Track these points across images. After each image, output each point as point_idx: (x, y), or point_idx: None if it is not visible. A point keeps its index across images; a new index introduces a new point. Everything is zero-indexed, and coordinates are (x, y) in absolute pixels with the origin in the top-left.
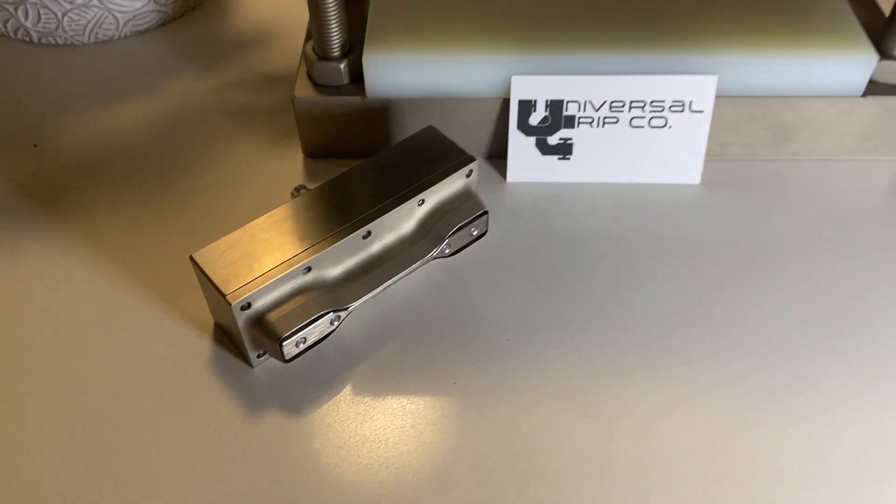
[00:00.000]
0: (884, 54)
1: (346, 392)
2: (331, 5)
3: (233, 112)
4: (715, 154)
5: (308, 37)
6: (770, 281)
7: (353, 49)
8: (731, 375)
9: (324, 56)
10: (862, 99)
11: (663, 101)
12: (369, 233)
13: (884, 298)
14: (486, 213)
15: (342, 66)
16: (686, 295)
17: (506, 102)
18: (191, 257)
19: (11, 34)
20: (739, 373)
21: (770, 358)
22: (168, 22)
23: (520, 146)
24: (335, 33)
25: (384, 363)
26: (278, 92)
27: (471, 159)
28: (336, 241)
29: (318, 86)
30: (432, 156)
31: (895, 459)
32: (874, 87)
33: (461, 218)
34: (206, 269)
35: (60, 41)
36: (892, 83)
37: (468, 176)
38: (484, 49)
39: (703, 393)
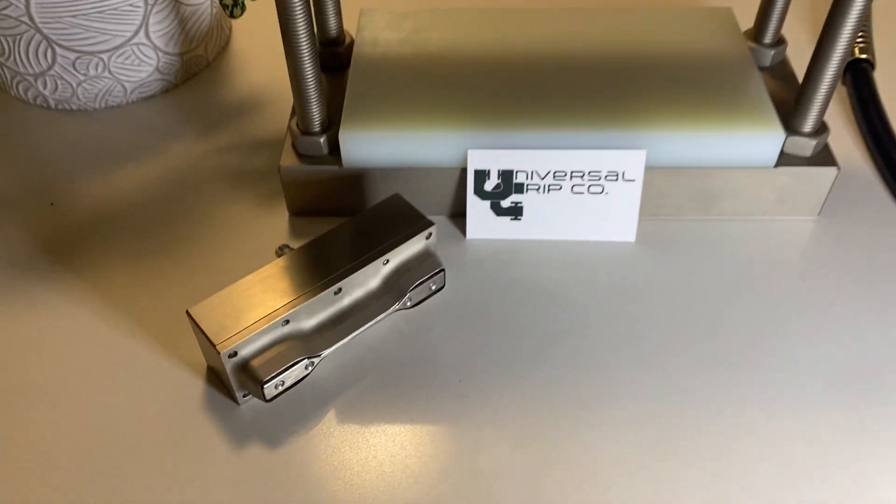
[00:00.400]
0: (792, 131)
1: (319, 428)
2: (311, 91)
3: (227, 174)
4: (649, 214)
5: (293, 113)
6: (694, 327)
7: (331, 124)
8: (653, 413)
9: (306, 131)
10: (774, 169)
11: (600, 172)
12: (340, 289)
13: (796, 343)
14: (443, 270)
15: (322, 140)
16: (620, 339)
17: (464, 171)
18: (187, 311)
19: (31, 101)
20: (661, 411)
21: (689, 397)
22: (171, 88)
23: (476, 208)
24: (315, 113)
25: (352, 402)
26: (267, 155)
27: (429, 224)
28: (311, 297)
29: (300, 155)
30: (396, 221)
31: (807, 491)
32: (785, 158)
33: (421, 275)
34: (199, 322)
35: (75, 107)
36: (801, 155)
37: (428, 238)
38: (445, 127)
39: (627, 428)
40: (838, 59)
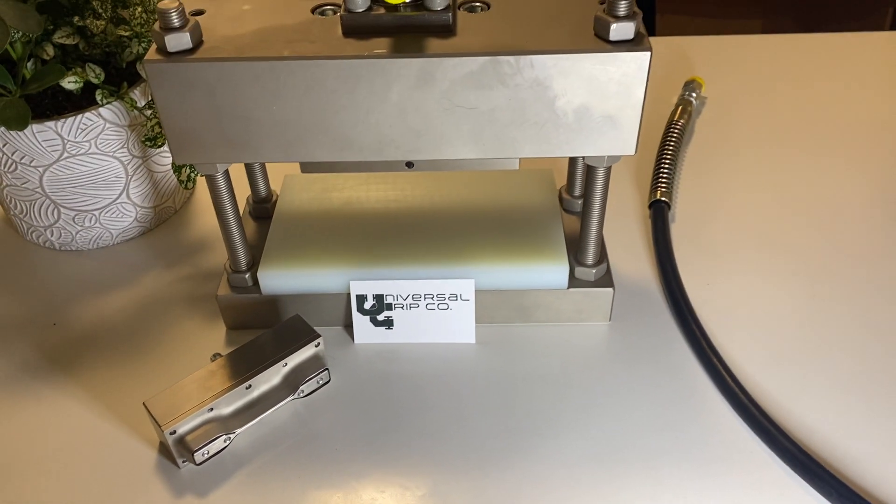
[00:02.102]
0: (579, 263)
1: (235, 485)
2: (237, 244)
3: (185, 298)
4: (486, 321)
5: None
6: (515, 410)
7: (254, 264)
8: (499, 471)
9: (235, 270)
10: (568, 290)
11: (444, 294)
12: (250, 385)
13: (601, 428)
14: (326, 369)
15: (247, 276)
16: (460, 418)
17: (349, 296)
18: (143, 403)
19: (41, 244)
20: (493, 470)
21: (503, 470)
22: (146, 232)
23: (360, 322)
24: (241, 258)
25: (261, 467)
26: (215, 284)
27: (317, 336)
28: (229, 391)
29: (232, 287)
30: (294, 334)
31: None
32: (576, 282)
33: (310, 372)
34: (151, 410)
35: (74, 249)
36: (587, 279)
37: (317, 346)
38: (336, 265)
39: (487, 487)
40: (596, 221)
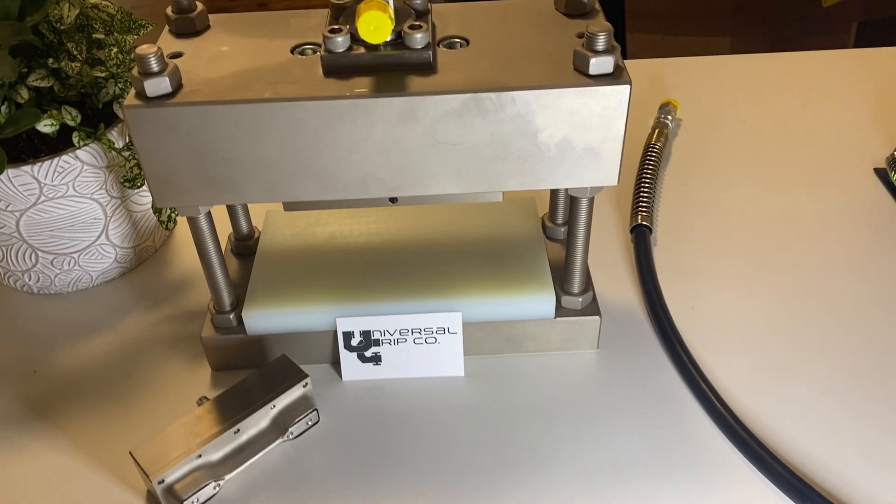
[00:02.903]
0: (565, 292)
1: None
2: (221, 285)
3: (167, 339)
4: (474, 353)
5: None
6: (506, 442)
7: (238, 304)
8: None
9: (219, 311)
10: (555, 319)
11: (431, 328)
12: (238, 429)
13: (593, 455)
14: (315, 410)
15: (231, 316)
16: (451, 452)
17: (336, 332)
18: (130, 452)
19: (18, 288)
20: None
21: (507, 498)
22: (127, 272)
23: (347, 358)
24: (225, 299)
25: None
26: (197, 324)
27: (305, 376)
28: (217, 437)
29: (217, 328)
30: (282, 375)
31: None
32: (562, 311)
33: (299, 414)
34: (138, 460)
35: (53, 292)
36: (573, 308)
37: (304, 387)
38: (321, 302)
39: None
40: (581, 251)
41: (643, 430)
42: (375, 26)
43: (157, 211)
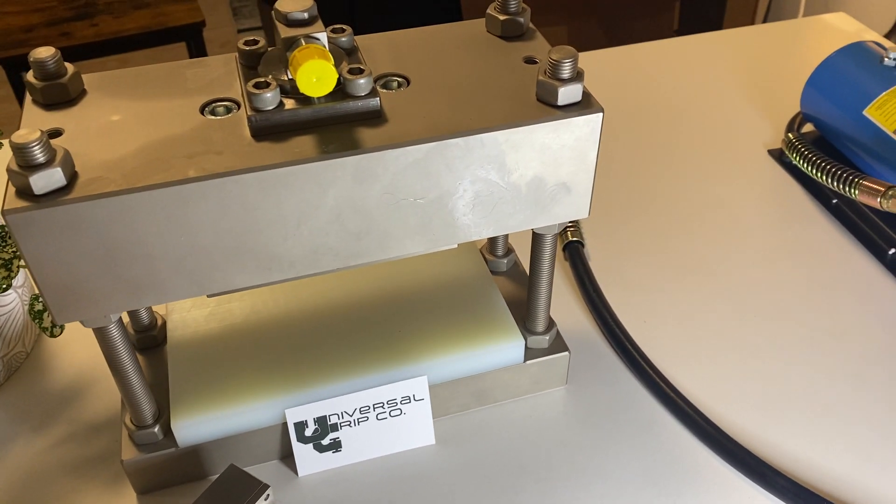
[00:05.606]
0: (529, 332)
1: None
2: (140, 395)
3: (69, 465)
4: (442, 414)
5: (123, 406)
6: (487, 499)
7: (161, 413)
8: None
9: (139, 425)
10: (525, 363)
11: (395, 399)
12: None
13: (584, 493)
14: None
15: (156, 429)
16: None
17: (286, 425)
18: None
19: None
20: None
21: None
22: None
23: (302, 452)
24: (146, 410)
25: None
26: (105, 439)
27: (266, 487)
28: None
29: (139, 445)
30: (237, 490)
31: None
32: (530, 353)
33: None
34: None
35: None
36: (540, 348)
37: (266, 499)
38: (262, 396)
39: None
40: (546, 287)
41: (630, 461)
42: (318, 77)
43: (36, 316)
